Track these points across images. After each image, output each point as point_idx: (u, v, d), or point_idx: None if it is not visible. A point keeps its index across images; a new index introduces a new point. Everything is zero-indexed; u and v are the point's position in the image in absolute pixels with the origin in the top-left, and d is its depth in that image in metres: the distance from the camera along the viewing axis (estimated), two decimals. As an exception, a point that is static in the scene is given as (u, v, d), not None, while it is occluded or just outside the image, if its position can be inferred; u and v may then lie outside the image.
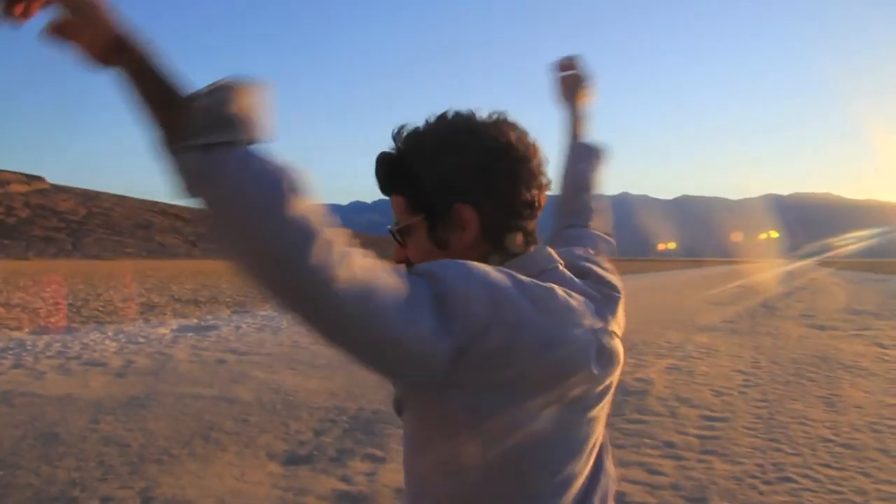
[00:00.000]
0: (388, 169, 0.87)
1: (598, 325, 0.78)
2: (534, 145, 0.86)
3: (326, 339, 0.65)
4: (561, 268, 0.85)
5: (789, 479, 3.76)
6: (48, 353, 7.98)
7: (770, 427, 4.88)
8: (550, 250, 0.87)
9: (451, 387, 0.71)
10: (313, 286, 0.60)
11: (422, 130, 0.86)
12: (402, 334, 0.64)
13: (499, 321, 0.68)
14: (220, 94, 0.62)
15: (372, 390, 5.90)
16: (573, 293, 0.78)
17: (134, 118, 0.64)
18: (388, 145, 0.87)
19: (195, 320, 12.17)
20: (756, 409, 5.44)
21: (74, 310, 13.81)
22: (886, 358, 8.18)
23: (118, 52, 0.62)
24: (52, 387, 6.06)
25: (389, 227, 0.89)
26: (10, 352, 8.07)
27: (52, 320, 11.75)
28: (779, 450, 4.31)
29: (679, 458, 4.14)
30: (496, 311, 0.69)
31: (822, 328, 11.47)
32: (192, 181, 0.61)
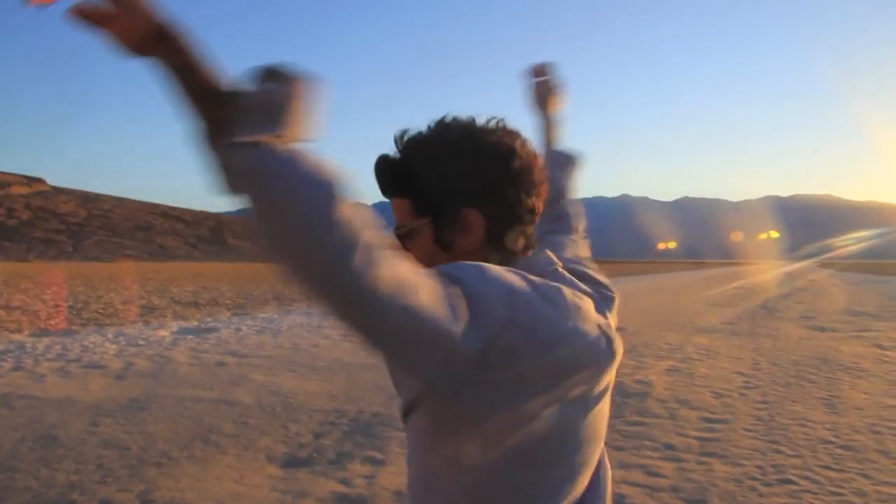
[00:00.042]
0: (394, 172, 0.88)
1: (603, 322, 0.84)
2: (534, 153, 0.89)
3: (364, 338, 0.65)
4: (560, 269, 0.88)
5: (789, 481, 3.76)
6: (48, 356, 7.98)
7: (770, 429, 4.88)
8: (549, 253, 0.91)
9: (469, 384, 0.72)
10: (358, 289, 0.60)
11: (427, 135, 0.87)
12: (439, 334, 0.66)
13: (517, 320, 0.72)
14: (269, 88, 0.61)
15: (371, 393, 5.90)
16: (577, 292, 0.82)
17: (176, 112, 0.60)
18: (388, 147, 0.88)
19: (195, 323, 12.17)
20: (756, 411, 5.43)
21: (74, 312, 13.82)
22: (886, 359, 8.17)
23: (157, 43, 0.60)
24: (52, 389, 6.06)
25: (395, 227, 0.90)
26: (10, 354, 8.07)
27: (52, 322, 11.75)
28: (779, 451, 4.31)
29: (679, 460, 4.14)
30: (514, 310, 0.72)
31: (823, 330, 11.47)
32: (237, 179, 0.59)
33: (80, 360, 7.68)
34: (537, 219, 0.90)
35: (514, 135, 0.88)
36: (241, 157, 0.58)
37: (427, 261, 0.82)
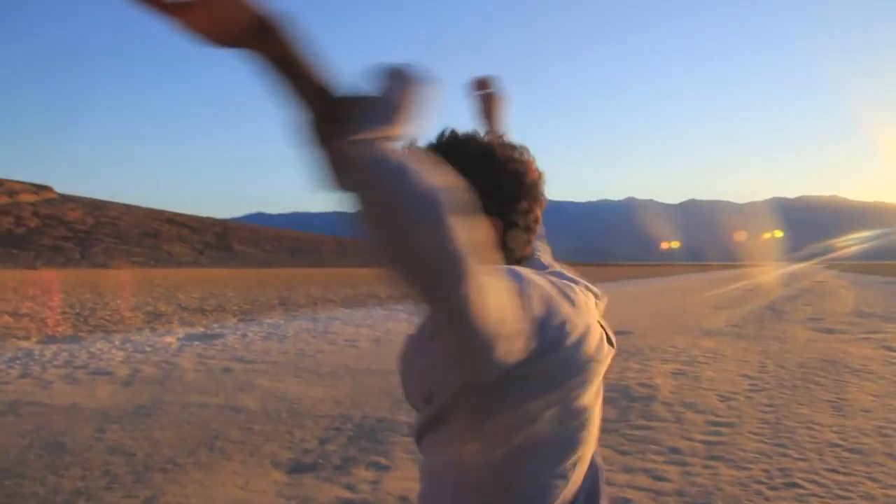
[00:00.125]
0: None
1: (598, 317, 0.91)
2: (539, 168, 0.95)
3: (453, 327, 0.64)
4: (558, 269, 0.96)
5: (796, 485, 3.73)
6: (55, 363, 8.02)
7: (777, 432, 4.85)
8: (539, 256, 1.00)
9: (509, 378, 0.75)
10: (462, 290, 0.60)
11: (445, 150, 0.90)
12: (518, 331, 0.71)
13: (551, 317, 0.78)
14: (386, 87, 0.61)
15: (377, 398, 5.91)
16: (581, 289, 0.90)
17: (278, 107, 0.57)
18: None
19: (201, 329, 12.21)
20: (762, 414, 5.40)
21: (82, 319, 13.89)
22: (895, 361, 8.12)
23: (259, 36, 0.57)
24: (59, 396, 6.09)
25: None
26: (18, 361, 8.12)
27: (60, 329, 11.81)
28: (785, 455, 4.28)
29: (684, 463, 4.12)
30: (549, 309, 0.78)
31: (830, 332, 11.40)
32: (347, 177, 0.58)
33: (86, 367, 7.72)
34: (539, 227, 0.97)
35: (523, 151, 0.95)
36: (354, 156, 0.57)
37: None
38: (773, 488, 3.69)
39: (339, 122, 0.58)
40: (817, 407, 5.65)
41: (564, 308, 0.80)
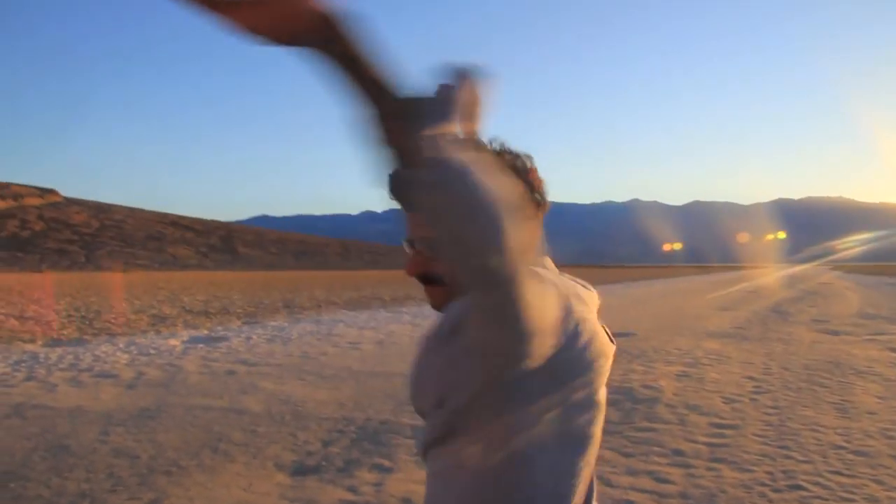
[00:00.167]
0: None
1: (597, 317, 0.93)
2: (540, 176, 0.96)
3: (501, 318, 0.65)
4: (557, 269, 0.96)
5: (799, 487, 3.72)
6: (60, 366, 8.05)
7: (781, 434, 4.84)
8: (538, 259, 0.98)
9: (523, 377, 0.77)
10: (516, 283, 0.62)
11: None
12: (553, 328, 0.74)
13: (568, 316, 0.80)
14: (448, 86, 0.61)
15: (380, 400, 5.91)
16: (584, 288, 0.93)
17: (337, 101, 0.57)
18: None
19: (206, 331, 12.24)
20: (766, 416, 5.39)
21: (86, 322, 13.93)
22: (900, 363, 8.09)
23: (322, 34, 0.56)
24: (64, 399, 6.12)
25: (408, 238, 0.91)
26: (23, 364, 8.15)
27: (64, 332, 11.86)
28: (789, 457, 4.27)
29: (688, 466, 4.11)
30: (566, 308, 0.80)
31: (835, 333, 11.36)
32: (415, 176, 0.58)
33: (91, 370, 7.75)
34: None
35: (525, 157, 0.95)
36: (422, 155, 0.57)
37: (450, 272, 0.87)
38: (776, 490, 3.68)
39: (405, 121, 0.59)
40: (822, 409, 5.63)
41: (578, 307, 0.83)
